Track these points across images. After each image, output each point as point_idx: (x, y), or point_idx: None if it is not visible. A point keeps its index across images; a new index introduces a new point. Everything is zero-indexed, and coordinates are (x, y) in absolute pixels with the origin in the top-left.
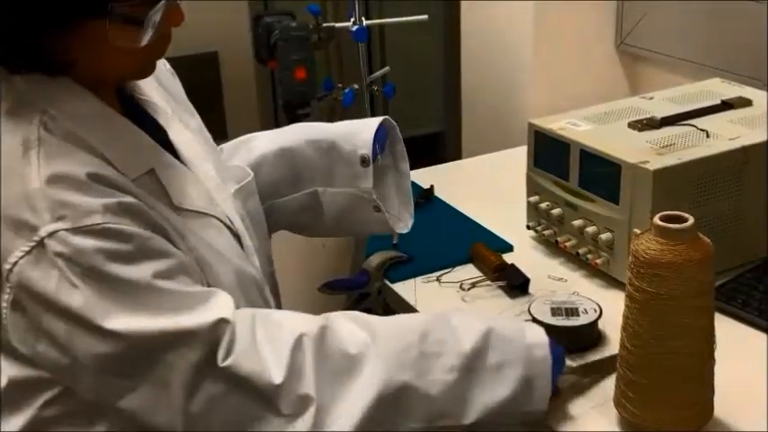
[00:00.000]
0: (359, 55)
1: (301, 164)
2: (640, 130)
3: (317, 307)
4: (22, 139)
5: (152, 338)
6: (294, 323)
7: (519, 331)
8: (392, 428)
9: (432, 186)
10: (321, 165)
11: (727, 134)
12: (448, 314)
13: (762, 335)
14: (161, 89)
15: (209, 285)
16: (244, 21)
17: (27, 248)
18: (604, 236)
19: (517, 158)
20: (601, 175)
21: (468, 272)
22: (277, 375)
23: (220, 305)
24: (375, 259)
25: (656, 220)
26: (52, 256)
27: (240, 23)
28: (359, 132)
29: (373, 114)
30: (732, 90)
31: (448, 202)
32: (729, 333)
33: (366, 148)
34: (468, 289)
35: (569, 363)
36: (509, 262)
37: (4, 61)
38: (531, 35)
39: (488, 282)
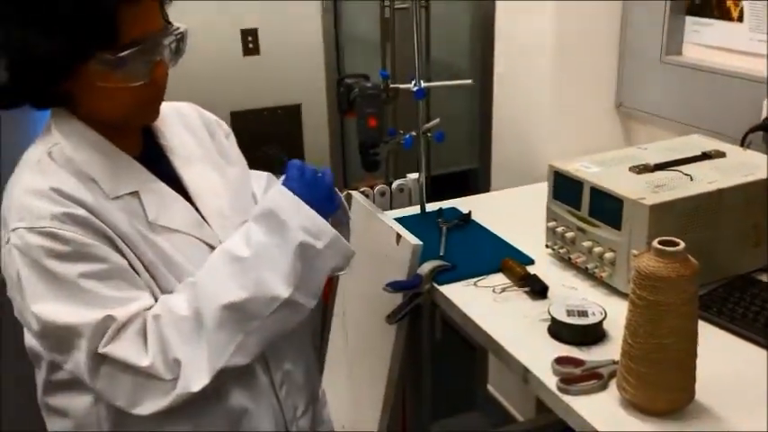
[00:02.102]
0: (417, 109)
1: None
2: (638, 173)
3: (383, 301)
4: (33, 158)
5: (57, 325)
6: (154, 309)
7: (268, 202)
8: (249, 328)
9: (470, 212)
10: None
11: (706, 179)
12: (224, 245)
13: (732, 336)
14: (197, 141)
15: (159, 287)
16: (322, 80)
17: (4, 240)
18: (608, 255)
19: (538, 192)
20: (607, 207)
21: (499, 279)
22: (144, 359)
23: (125, 306)
24: (426, 267)
25: (655, 243)
26: (12, 247)
27: (319, 82)
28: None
29: (429, 158)
30: (709, 144)
31: (483, 224)
32: (706, 335)
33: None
34: (500, 292)
35: (580, 355)
36: (532, 272)
37: (27, 100)
38: (550, 96)
39: (515, 287)
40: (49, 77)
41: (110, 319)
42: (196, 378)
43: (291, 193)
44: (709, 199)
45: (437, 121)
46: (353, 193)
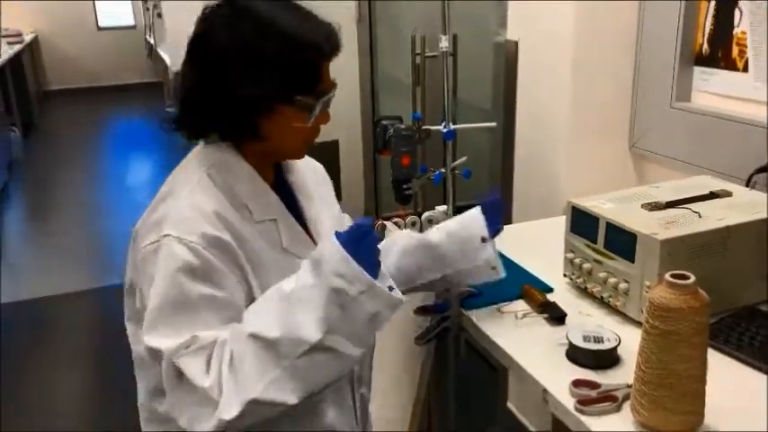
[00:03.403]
0: (445, 149)
1: (440, 252)
2: (650, 210)
3: (415, 324)
4: (193, 177)
5: (149, 346)
6: (225, 333)
7: (315, 255)
8: (283, 365)
9: None
10: (455, 250)
11: (714, 216)
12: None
13: (739, 364)
14: (313, 183)
15: None
16: (358, 119)
17: (153, 240)
18: (622, 285)
19: (557, 225)
20: (621, 241)
21: (520, 305)
22: (206, 380)
23: (213, 330)
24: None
25: (668, 276)
26: (158, 248)
27: (355, 121)
28: (475, 221)
29: (454, 191)
30: (717, 184)
31: (505, 254)
32: (714, 362)
33: (484, 231)
34: (521, 318)
35: (595, 378)
36: (551, 300)
37: (223, 132)
38: (567, 137)
39: (535, 313)
40: (252, 114)
41: (194, 338)
42: (228, 407)
43: (336, 241)
44: (717, 235)
45: (464, 159)
46: (387, 223)
